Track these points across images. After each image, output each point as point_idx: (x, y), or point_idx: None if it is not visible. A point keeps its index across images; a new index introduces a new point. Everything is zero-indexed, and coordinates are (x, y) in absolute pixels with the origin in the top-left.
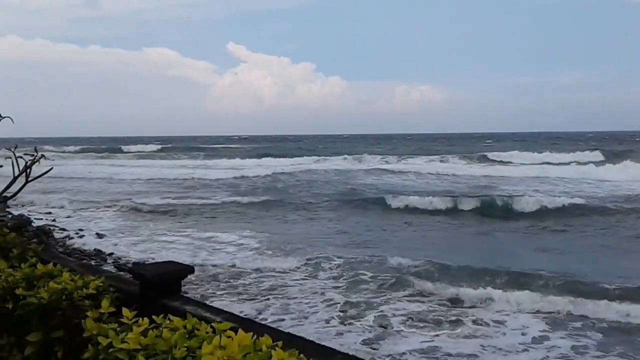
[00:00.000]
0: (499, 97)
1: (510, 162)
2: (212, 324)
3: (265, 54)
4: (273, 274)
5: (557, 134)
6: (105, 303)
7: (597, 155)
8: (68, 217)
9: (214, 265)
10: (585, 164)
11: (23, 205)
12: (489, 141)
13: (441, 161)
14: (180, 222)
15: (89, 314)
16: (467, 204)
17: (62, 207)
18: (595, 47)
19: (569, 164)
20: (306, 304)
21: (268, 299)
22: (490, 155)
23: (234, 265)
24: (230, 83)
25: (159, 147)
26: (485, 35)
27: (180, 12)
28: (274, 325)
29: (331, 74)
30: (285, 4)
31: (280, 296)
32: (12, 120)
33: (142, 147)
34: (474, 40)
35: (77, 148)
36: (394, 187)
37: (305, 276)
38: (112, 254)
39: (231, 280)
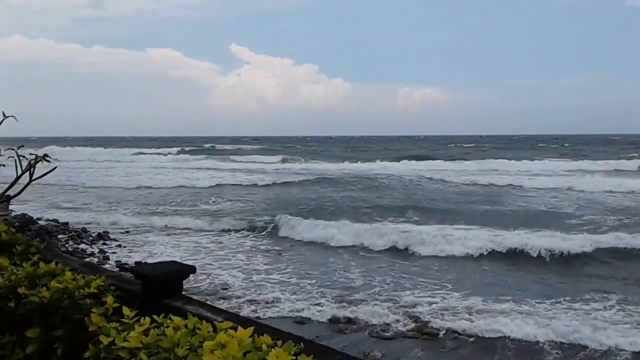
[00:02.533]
0: (505, 97)
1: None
2: (213, 323)
3: (268, 55)
4: None
5: (562, 136)
6: (110, 299)
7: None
8: (70, 217)
9: None
10: None
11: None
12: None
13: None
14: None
15: (94, 309)
16: None
17: (62, 208)
18: (598, 49)
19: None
20: None
21: None
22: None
23: None
24: (234, 84)
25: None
26: (488, 37)
27: (183, 12)
28: None
29: (334, 75)
30: (289, 5)
31: None
32: (15, 119)
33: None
34: (475, 41)
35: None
36: None
37: None
38: (114, 253)
39: None
